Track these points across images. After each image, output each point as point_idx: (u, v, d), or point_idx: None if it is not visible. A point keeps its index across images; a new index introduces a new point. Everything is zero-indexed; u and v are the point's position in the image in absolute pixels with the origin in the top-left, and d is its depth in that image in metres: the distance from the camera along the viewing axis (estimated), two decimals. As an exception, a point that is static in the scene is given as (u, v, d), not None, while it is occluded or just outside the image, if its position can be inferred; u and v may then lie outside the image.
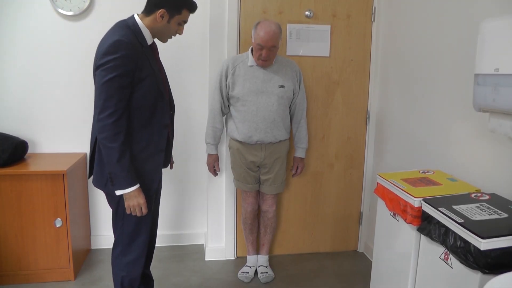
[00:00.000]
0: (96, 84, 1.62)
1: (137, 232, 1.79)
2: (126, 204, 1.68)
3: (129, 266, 1.82)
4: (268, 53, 2.28)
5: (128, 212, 1.70)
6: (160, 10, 1.72)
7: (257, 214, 2.71)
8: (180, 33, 1.86)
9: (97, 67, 1.62)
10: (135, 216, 1.72)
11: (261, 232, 2.74)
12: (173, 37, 1.86)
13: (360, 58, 2.80)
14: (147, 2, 1.76)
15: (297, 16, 2.68)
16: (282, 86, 2.40)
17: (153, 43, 1.82)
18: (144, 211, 1.70)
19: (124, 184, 1.64)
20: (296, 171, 2.66)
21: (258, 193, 2.64)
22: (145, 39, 1.74)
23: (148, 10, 1.75)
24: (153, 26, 1.76)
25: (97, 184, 1.77)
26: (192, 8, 1.83)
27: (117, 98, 1.59)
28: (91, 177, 1.81)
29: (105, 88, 1.58)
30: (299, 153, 2.63)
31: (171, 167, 2.19)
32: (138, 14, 1.76)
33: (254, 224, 2.71)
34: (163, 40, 1.86)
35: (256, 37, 2.26)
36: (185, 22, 1.84)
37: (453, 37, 2.00)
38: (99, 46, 1.67)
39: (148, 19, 1.75)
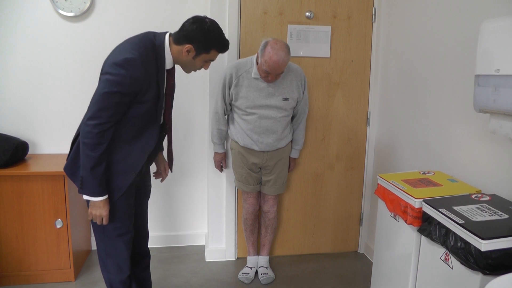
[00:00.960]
0: (97, 89, 1.59)
1: (118, 234, 1.75)
2: (89, 210, 1.66)
3: (115, 268, 1.79)
4: (275, 77, 2.26)
5: (89, 218, 1.68)
6: (187, 45, 1.65)
7: (258, 214, 2.72)
8: (206, 69, 1.79)
9: (104, 72, 1.59)
10: (117, 219, 1.71)
11: (262, 232, 2.74)
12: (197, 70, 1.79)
13: (360, 59, 2.80)
14: (180, 29, 1.68)
15: (297, 17, 2.68)
16: (286, 99, 2.37)
17: (173, 67, 1.76)
18: (105, 222, 1.67)
19: (92, 192, 1.62)
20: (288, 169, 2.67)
21: (259, 193, 2.64)
22: (164, 63, 1.68)
23: (177, 39, 1.67)
24: (178, 56, 1.69)
25: (66, 171, 1.73)
26: (223, 49, 1.74)
27: (111, 112, 1.56)
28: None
29: (103, 98, 1.55)
30: (293, 153, 2.64)
31: (162, 181, 2.12)
32: (171, 35, 1.69)
33: (255, 225, 2.71)
34: (186, 71, 1.79)
35: (263, 62, 2.19)
36: (212, 60, 1.76)
37: (453, 38, 2.00)
38: (115, 50, 1.62)
39: (176, 47, 1.68)
